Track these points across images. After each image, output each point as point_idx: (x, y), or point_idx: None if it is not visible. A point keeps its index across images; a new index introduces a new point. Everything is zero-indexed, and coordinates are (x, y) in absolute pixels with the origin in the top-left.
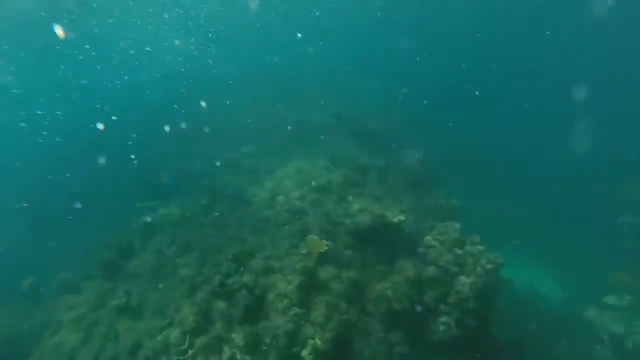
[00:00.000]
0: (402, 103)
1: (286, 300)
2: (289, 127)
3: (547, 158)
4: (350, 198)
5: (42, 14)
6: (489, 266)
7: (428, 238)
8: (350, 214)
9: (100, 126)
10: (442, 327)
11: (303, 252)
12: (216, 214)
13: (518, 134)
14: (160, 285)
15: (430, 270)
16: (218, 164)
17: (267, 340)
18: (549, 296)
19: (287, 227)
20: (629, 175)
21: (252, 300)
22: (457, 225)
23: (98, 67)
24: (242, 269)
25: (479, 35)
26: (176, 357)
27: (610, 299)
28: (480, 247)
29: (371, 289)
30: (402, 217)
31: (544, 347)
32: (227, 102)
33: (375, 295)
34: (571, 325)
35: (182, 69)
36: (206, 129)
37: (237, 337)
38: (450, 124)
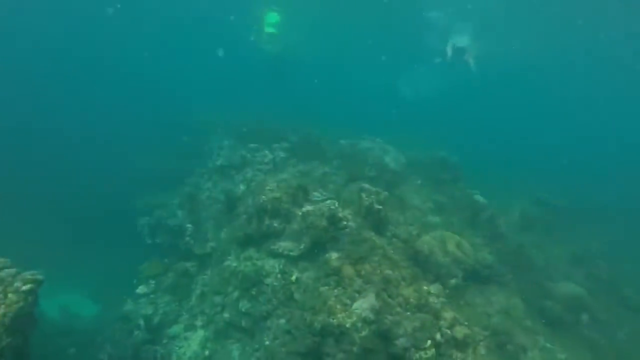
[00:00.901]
0: None
1: None
2: None
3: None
4: None
5: None
6: (25, 287)
7: None
8: None
9: None
10: None
11: None
12: None
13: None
14: None
15: None
16: None
17: None
18: (85, 313)
19: None
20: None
21: None
22: None
23: None
24: None
25: None
26: None
27: (141, 289)
28: (11, 270)
29: None
30: None
31: None
32: None
33: None
34: (111, 327)
35: None
36: None
37: None
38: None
